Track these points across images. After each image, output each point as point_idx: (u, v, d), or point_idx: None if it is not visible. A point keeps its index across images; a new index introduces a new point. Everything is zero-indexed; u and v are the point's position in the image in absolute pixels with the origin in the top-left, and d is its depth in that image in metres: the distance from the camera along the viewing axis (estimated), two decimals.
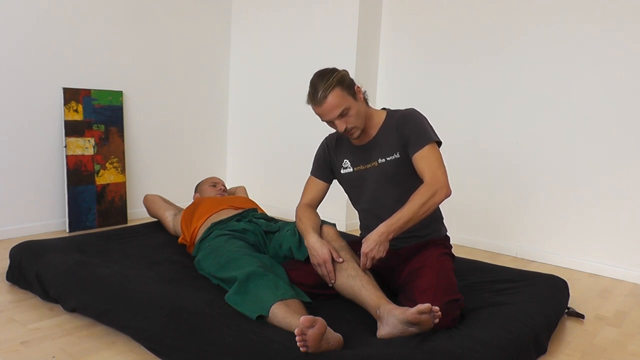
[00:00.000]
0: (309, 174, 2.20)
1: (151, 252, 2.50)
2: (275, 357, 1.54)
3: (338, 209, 3.70)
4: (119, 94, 3.60)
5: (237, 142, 4.44)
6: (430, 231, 2.05)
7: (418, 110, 2.04)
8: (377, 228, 1.84)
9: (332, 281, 1.91)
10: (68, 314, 2.09)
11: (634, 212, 2.92)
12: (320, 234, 2.02)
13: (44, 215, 3.32)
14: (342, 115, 1.89)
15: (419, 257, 1.97)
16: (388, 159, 1.98)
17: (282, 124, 4.10)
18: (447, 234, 2.14)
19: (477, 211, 3.45)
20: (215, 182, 3.01)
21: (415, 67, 3.65)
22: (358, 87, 1.96)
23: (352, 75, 3.53)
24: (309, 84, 1.91)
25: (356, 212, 2.19)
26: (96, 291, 2.00)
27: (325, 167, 2.16)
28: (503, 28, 3.27)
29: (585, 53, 3.00)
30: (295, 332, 1.53)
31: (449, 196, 1.87)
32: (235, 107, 4.42)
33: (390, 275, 2.03)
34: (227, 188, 3.55)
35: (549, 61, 3.12)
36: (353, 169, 2.07)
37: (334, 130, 2.08)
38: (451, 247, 2.11)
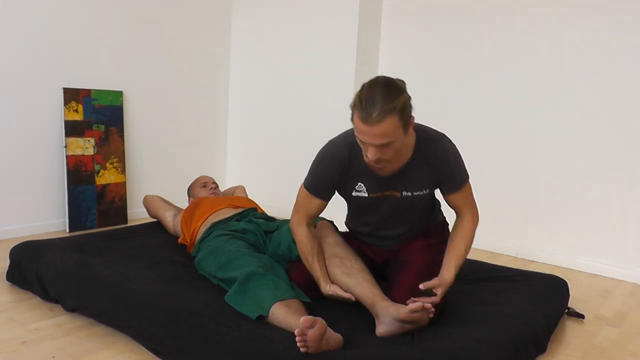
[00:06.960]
0: (304, 187, 1.95)
1: (151, 252, 2.50)
2: (275, 357, 1.54)
3: (337, 208, 3.70)
4: (119, 94, 3.60)
5: (237, 142, 4.44)
6: (425, 224, 2.05)
7: (449, 139, 1.90)
8: (447, 280, 1.81)
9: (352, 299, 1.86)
10: (68, 314, 2.09)
11: (634, 212, 2.92)
12: (316, 228, 2.05)
13: (44, 215, 3.32)
14: (384, 145, 1.62)
15: (407, 247, 1.99)
16: (415, 193, 1.89)
17: (282, 124, 4.09)
18: (446, 220, 2.13)
19: None
20: (204, 182, 2.96)
21: (415, 67, 3.64)
22: (413, 117, 1.67)
23: (352, 76, 3.66)
24: (367, 87, 1.62)
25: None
26: (96, 291, 2.00)
27: (330, 187, 1.93)
28: (502, 28, 3.27)
29: (587, 52, 3.00)
30: (295, 332, 1.53)
31: None
32: (235, 107, 4.41)
33: (383, 261, 2.07)
34: (227, 187, 3.55)
35: (550, 60, 3.12)
36: (368, 194, 1.90)
37: (341, 144, 1.86)
38: (447, 233, 2.03)
